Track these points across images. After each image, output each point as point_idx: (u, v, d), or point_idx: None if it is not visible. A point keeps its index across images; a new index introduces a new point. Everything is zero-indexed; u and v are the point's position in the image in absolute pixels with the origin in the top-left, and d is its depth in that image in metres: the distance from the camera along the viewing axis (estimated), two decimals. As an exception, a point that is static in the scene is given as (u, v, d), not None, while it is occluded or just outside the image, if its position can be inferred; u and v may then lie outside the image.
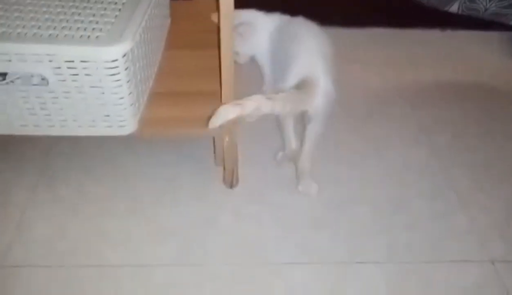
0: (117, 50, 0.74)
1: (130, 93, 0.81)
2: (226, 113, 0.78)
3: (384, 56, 1.38)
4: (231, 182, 0.97)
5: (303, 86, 0.87)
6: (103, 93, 0.79)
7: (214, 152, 1.00)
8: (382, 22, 1.46)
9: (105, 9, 0.84)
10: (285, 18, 1.01)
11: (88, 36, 0.77)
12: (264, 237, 0.89)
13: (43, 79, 0.78)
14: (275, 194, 0.97)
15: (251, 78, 1.13)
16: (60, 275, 0.81)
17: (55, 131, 0.85)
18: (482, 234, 0.91)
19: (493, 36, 1.47)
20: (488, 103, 1.24)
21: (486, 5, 1.35)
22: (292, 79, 0.88)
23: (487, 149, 1.10)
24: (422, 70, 1.34)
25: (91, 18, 0.81)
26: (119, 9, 0.84)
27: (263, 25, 1.00)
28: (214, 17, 1.00)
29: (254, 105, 0.80)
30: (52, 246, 0.85)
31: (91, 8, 0.84)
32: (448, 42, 1.45)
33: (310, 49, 0.93)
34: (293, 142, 0.99)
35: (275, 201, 0.95)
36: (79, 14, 0.82)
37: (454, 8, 1.37)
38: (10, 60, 0.75)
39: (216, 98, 0.89)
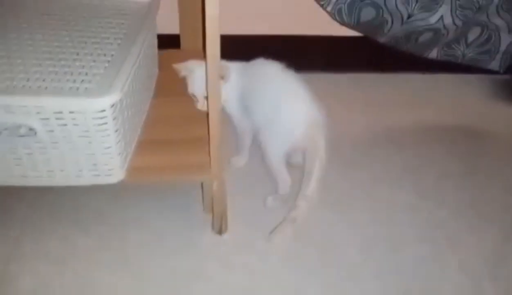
0: (105, 101, 0.75)
1: (118, 142, 0.81)
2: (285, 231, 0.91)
3: (367, 99, 1.42)
4: (219, 228, 0.96)
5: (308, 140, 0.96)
6: (91, 143, 0.80)
7: (203, 199, 0.99)
8: (364, 67, 1.51)
9: (94, 61, 0.85)
10: (245, 63, 1.04)
11: (77, 88, 0.78)
12: (254, 287, 0.88)
13: (30, 129, 0.78)
14: (264, 241, 0.96)
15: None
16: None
17: (42, 182, 0.84)
18: (473, 276, 0.91)
19: (473, 78, 1.52)
20: (471, 144, 1.26)
21: (464, 51, 1.41)
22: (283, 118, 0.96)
23: (473, 189, 1.12)
24: (405, 113, 1.37)
25: (80, 70, 0.82)
26: (108, 61, 0.85)
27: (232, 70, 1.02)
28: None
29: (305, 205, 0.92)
30: None
31: (80, 60, 0.85)
32: (429, 84, 1.49)
33: (292, 89, 0.99)
34: (289, 180, 1.01)
35: (264, 248, 0.95)
36: (69, 66, 0.84)
37: (433, 54, 1.42)
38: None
39: (204, 145, 0.90)
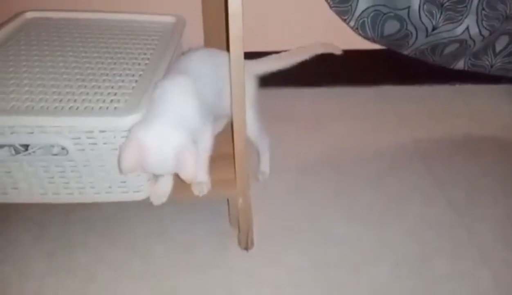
0: (133, 120, 0.78)
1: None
2: None
3: (395, 112, 1.40)
4: (246, 244, 0.96)
5: None
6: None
7: (229, 214, 1.00)
8: (389, 80, 1.50)
9: (123, 81, 0.88)
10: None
11: (107, 107, 0.81)
12: (282, 301, 0.87)
13: (63, 149, 0.81)
14: (291, 256, 0.95)
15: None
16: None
17: (74, 199, 0.87)
18: (508, 292, 0.88)
19: (502, 89, 1.49)
20: (503, 156, 1.23)
21: (492, 61, 1.38)
22: None
23: (506, 202, 1.08)
24: (434, 125, 1.35)
25: (110, 90, 0.85)
26: (136, 81, 0.88)
27: None
28: None
29: None
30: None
31: (110, 81, 0.88)
32: (459, 96, 1.47)
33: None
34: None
35: (291, 263, 0.94)
36: (99, 86, 0.87)
37: (460, 65, 1.40)
38: (32, 132, 0.79)
39: (229, 161, 0.91)
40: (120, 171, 0.77)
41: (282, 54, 1.07)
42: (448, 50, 1.33)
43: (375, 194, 1.11)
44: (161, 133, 0.77)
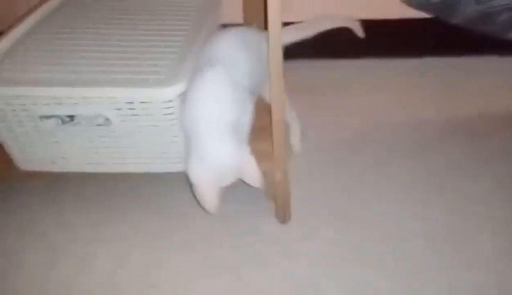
0: (172, 91, 0.79)
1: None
2: None
3: (440, 85, 1.35)
4: (283, 217, 0.97)
5: None
6: (160, 132, 0.84)
7: (266, 187, 1.01)
8: (436, 50, 1.43)
9: (163, 52, 0.89)
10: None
11: (147, 79, 0.82)
12: (317, 275, 0.87)
13: (106, 120, 0.83)
14: (328, 230, 0.95)
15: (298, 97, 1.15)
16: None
17: (117, 169, 0.90)
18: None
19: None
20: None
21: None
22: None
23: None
24: (481, 99, 1.29)
25: (150, 62, 0.87)
26: (175, 52, 0.89)
27: None
28: None
29: None
30: (113, 280, 0.88)
31: (150, 52, 0.90)
32: (505, 68, 1.39)
33: None
34: None
35: (328, 238, 0.94)
36: (140, 59, 0.88)
37: (512, 35, 1.32)
38: (77, 103, 0.82)
39: (267, 134, 0.91)
40: (213, 212, 0.82)
41: (303, 24, 1.01)
42: (501, 19, 1.25)
43: (415, 169, 1.08)
44: (213, 160, 0.79)
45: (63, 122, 0.85)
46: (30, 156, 0.90)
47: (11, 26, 0.97)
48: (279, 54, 0.78)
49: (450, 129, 1.20)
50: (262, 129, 0.94)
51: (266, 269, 0.89)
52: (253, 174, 0.80)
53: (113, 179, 1.07)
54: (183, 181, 1.06)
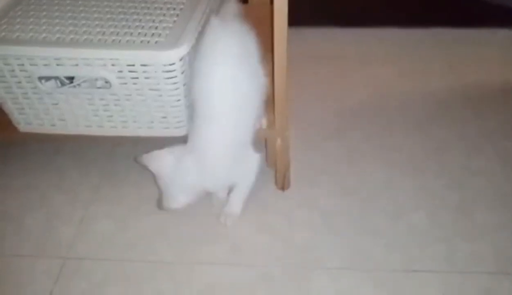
0: (174, 54, 0.77)
1: (186, 95, 0.84)
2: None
3: (447, 56, 1.33)
4: (282, 184, 0.97)
5: None
6: (161, 95, 0.83)
7: (266, 155, 1.00)
8: (445, 22, 1.40)
9: (164, 14, 0.87)
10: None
11: (148, 41, 0.80)
12: (316, 241, 0.88)
13: (106, 82, 0.82)
14: (328, 199, 0.95)
15: (302, 76, 1.13)
16: (119, 268, 0.85)
17: (117, 132, 0.90)
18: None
19: None
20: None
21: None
22: None
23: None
24: (487, 72, 1.27)
25: (151, 24, 0.85)
26: (177, 14, 0.87)
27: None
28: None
29: None
30: (112, 241, 0.89)
31: (151, 14, 0.87)
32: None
33: None
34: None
35: (328, 206, 0.94)
36: (140, 20, 0.86)
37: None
38: (77, 65, 0.80)
39: (269, 102, 0.90)
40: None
41: None
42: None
43: (418, 140, 1.08)
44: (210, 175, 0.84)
45: (63, 84, 0.84)
46: (29, 118, 0.90)
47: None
48: (283, 23, 0.76)
49: (455, 101, 1.18)
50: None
51: (265, 235, 0.89)
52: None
53: (113, 142, 1.06)
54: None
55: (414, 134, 1.09)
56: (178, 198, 0.85)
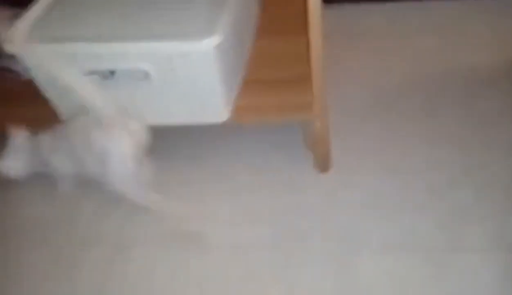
0: (208, 43, 0.78)
1: (222, 83, 0.85)
2: None
3: (493, 30, 1.26)
4: (323, 166, 0.96)
5: None
6: (198, 84, 0.84)
7: (305, 137, 1.00)
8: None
9: (198, 4, 0.87)
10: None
11: (183, 32, 0.81)
12: (360, 222, 0.88)
13: (145, 74, 0.84)
14: (369, 179, 0.94)
15: (342, 61, 1.12)
16: (165, 254, 0.88)
17: (157, 121, 0.92)
18: None
19: None
20: None
21: None
22: None
23: None
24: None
25: (186, 15, 0.85)
26: (211, 3, 0.87)
27: None
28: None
29: None
30: (158, 227, 0.93)
31: (185, 4, 0.88)
32: None
33: None
34: None
35: (370, 185, 0.93)
36: (175, 11, 0.87)
37: None
38: (116, 59, 0.83)
39: (307, 84, 0.89)
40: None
41: None
42: None
43: (462, 116, 1.04)
44: None
45: (104, 77, 0.87)
46: (74, 111, 0.93)
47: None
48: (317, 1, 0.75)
49: (500, 75, 1.13)
50: (300, 80, 0.93)
51: (307, 217, 0.90)
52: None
53: (157, 133, 1.09)
54: (223, 133, 1.08)
55: (458, 110, 1.05)
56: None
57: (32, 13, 0.90)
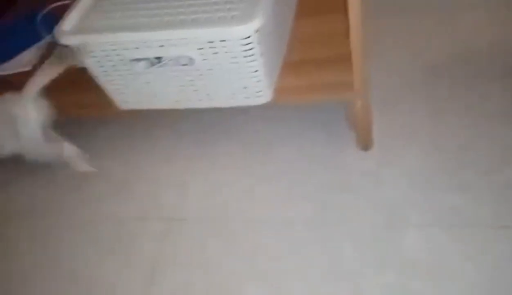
0: (249, 28, 0.80)
1: (264, 65, 0.87)
2: None
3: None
4: (365, 145, 0.97)
5: None
6: (240, 68, 0.86)
7: (347, 116, 1.01)
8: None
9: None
10: None
11: (225, 17, 0.84)
12: (403, 200, 0.89)
13: (190, 59, 0.88)
14: (413, 156, 0.94)
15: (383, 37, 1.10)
16: (214, 227, 0.93)
17: (203, 104, 0.96)
18: None
19: None
20: None
21: None
22: None
23: None
24: None
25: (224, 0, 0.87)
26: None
27: None
28: None
29: None
30: (209, 202, 0.98)
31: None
32: None
33: None
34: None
35: (413, 163, 0.93)
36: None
37: None
38: (163, 45, 0.87)
39: (347, 63, 0.89)
40: None
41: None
42: None
43: (507, 93, 1.00)
44: None
45: (152, 64, 0.91)
46: (126, 97, 0.99)
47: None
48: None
49: None
50: (340, 59, 0.93)
51: (350, 195, 0.92)
52: None
53: (201, 113, 1.14)
54: (265, 114, 1.10)
55: (505, 86, 1.01)
56: None
57: (82, 4, 0.95)
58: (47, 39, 1.21)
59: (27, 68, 1.15)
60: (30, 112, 0.98)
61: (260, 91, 0.91)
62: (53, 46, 1.10)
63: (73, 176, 1.09)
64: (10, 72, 1.17)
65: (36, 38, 1.22)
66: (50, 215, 1.04)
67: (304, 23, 1.04)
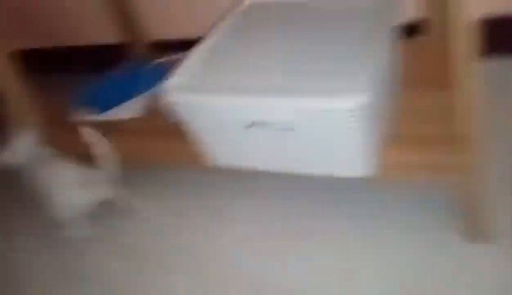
0: (355, 101, 0.76)
1: (367, 139, 0.82)
2: None
3: None
4: (473, 236, 0.86)
5: None
6: (341, 139, 0.83)
7: (456, 201, 0.91)
8: None
9: (343, 60, 0.86)
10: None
11: (328, 88, 0.81)
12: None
13: (289, 125, 0.86)
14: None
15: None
16: None
17: (301, 170, 0.93)
18: None
19: None
20: None
21: None
22: None
23: None
24: None
25: (331, 70, 0.85)
26: (356, 60, 0.85)
27: None
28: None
29: None
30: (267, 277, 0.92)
31: (331, 61, 0.88)
32: None
33: None
34: None
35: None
36: (320, 66, 0.87)
37: None
38: (264, 111, 0.86)
39: (457, 142, 0.82)
40: None
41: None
42: None
43: None
44: None
45: (249, 126, 0.90)
46: (219, 154, 0.99)
47: (200, 38, 1.04)
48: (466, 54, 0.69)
49: None
50: (450, 138, 0.85)
51: (454, 289, 0.82)
52: None
53: (295, 179, 1.11)
54: (362, 189, 1.04)
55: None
56: None
57: (190, 63, 0.97)
58: (152, 91, 1.27)
59: (128, 117, 1.22)
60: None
61: (360, 164, 0.86)
62: (158, 98, 1.15)
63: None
64: (113, 118, 1.24)
65: (142, 89, 1.29)
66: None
67: (411, 95, 0.99)
